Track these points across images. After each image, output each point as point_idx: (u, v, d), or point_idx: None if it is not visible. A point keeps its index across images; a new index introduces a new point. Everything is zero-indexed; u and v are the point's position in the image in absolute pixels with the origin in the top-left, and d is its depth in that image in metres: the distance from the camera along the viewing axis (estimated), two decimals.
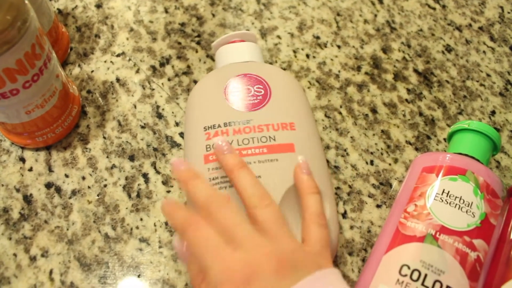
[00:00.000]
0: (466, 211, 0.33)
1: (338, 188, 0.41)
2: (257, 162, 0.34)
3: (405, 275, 0.30)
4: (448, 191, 0.33)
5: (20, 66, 0.33)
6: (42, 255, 0.37)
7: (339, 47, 0.49)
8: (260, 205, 0.30)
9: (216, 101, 0.37)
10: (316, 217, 0.32)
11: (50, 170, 0.40)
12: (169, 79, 0.45)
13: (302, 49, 0.48)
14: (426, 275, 0.30)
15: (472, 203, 0.33)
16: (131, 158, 0.41)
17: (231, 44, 0.41)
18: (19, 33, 0.32)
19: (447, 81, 0.48)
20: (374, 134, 0.44)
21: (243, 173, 0.32)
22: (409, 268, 0.31)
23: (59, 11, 0.49)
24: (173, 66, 0.46)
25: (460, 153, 0.36)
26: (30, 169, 0.40)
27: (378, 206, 0.41)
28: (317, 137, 0.38)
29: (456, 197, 0.33)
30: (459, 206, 0.33)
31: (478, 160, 0.35)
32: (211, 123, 0.36)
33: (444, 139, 0.44)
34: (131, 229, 0.38)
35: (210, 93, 0.38)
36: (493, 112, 0.46)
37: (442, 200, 0.33)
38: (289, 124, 0.35)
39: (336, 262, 0.37)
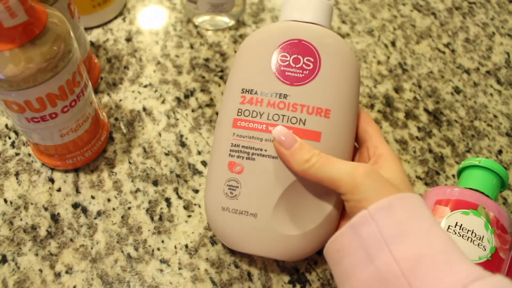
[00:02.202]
0: (478, 244, 0.34)
1: None
2: None
3: None
4: (461, 224, 0.35)
5: (61, 92, 0.36)
6: (67, 272, 0.38)
7: None
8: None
9: (261, 64, 0.35)
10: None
11: (78, 191, 0.42)
12: (192, 110, 0.48)
13: None
14: None
15: (483, 236, 0.35)
16: (155, 183, 0.43)
17: None
18: (63, 62, 0.35)
19: (456, 121, 0.50)
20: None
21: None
22: None
23: (92, 43, 0.52)
24: (196, 98, 0.49)
25: (470, 188, 0.38)
26: (59, 190, 0.42)
27: None
28: (351, 132, 0.36)
29: (468, 230, 0.35)
30: (471, 239, 0.34)
31: (488, 196, 0.37)
32: (249, 87, 0.34)
33: (453, 175, 0.46)
34: (153, 250, 0.40)
35: (259, 52, 0.35)
36: (500, 151, 0.48)
37: (455, 233, 0.35)
38: (325, 111, 0.34)
39: None
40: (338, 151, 0.34)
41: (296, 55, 0.34)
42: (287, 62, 0.34)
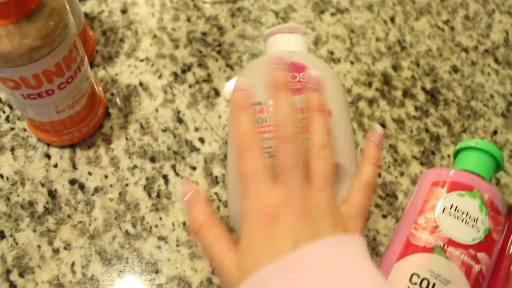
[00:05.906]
0: (472, 226, 0.35)
1: None
2: None
3: (415, 283, 0.33)
4: (456, 206, 0.36)
5: (58, 68, 0.35)
6: (65, 248, 0.39)
7: (352, 63, 0.51)
8: (319, 155, 0.30)
9: (264, 82, 0.38)
10: (365, 186, 0.31)
11: (74, 167, 0.42)
12: (190, 86, 0.47)
13: None
14: (434, 284, 0.32)
15: (477, 218, 0.35)
16: (152, 160, 0.43)
17: (281, 34, 0.43)
18: (60, 37, 0.34)
19: (453, 100, 0.50)
20: (382, 148, 0.46)
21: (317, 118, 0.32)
22: (419, 276, 0.33)
23: (86, 14, 0.51)
24: (194, 73, 0.48)
25: (466, 170, 0.38)
26: (55, 166, 0.42)
27: (384, 216, 0.43)
28: (351, 129, 0.39)
29: (463, 212, 0.35)
30: (466, 221, 0.35)
31: (483, 178, 0.38)
32: (257, 99, 0.38)
33: (448, 155, 0.47)
34: (151, 227, 0.40)
35: (260, 73, 0.38)
36: (495, 132, 0.49)
37: (451, 214, 0.35)
38: (328, 111, 0.36)
39: None
40: (346, 146, 0.37)
41: (291, 73, 0.38)
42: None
